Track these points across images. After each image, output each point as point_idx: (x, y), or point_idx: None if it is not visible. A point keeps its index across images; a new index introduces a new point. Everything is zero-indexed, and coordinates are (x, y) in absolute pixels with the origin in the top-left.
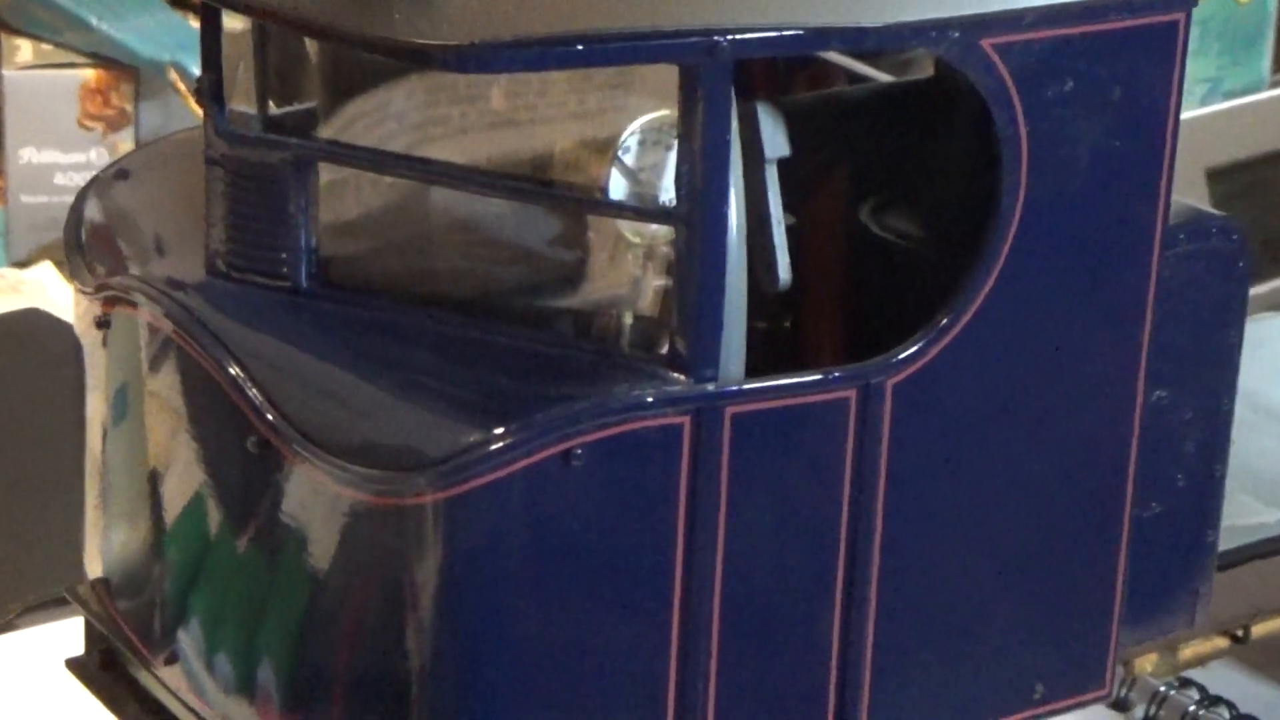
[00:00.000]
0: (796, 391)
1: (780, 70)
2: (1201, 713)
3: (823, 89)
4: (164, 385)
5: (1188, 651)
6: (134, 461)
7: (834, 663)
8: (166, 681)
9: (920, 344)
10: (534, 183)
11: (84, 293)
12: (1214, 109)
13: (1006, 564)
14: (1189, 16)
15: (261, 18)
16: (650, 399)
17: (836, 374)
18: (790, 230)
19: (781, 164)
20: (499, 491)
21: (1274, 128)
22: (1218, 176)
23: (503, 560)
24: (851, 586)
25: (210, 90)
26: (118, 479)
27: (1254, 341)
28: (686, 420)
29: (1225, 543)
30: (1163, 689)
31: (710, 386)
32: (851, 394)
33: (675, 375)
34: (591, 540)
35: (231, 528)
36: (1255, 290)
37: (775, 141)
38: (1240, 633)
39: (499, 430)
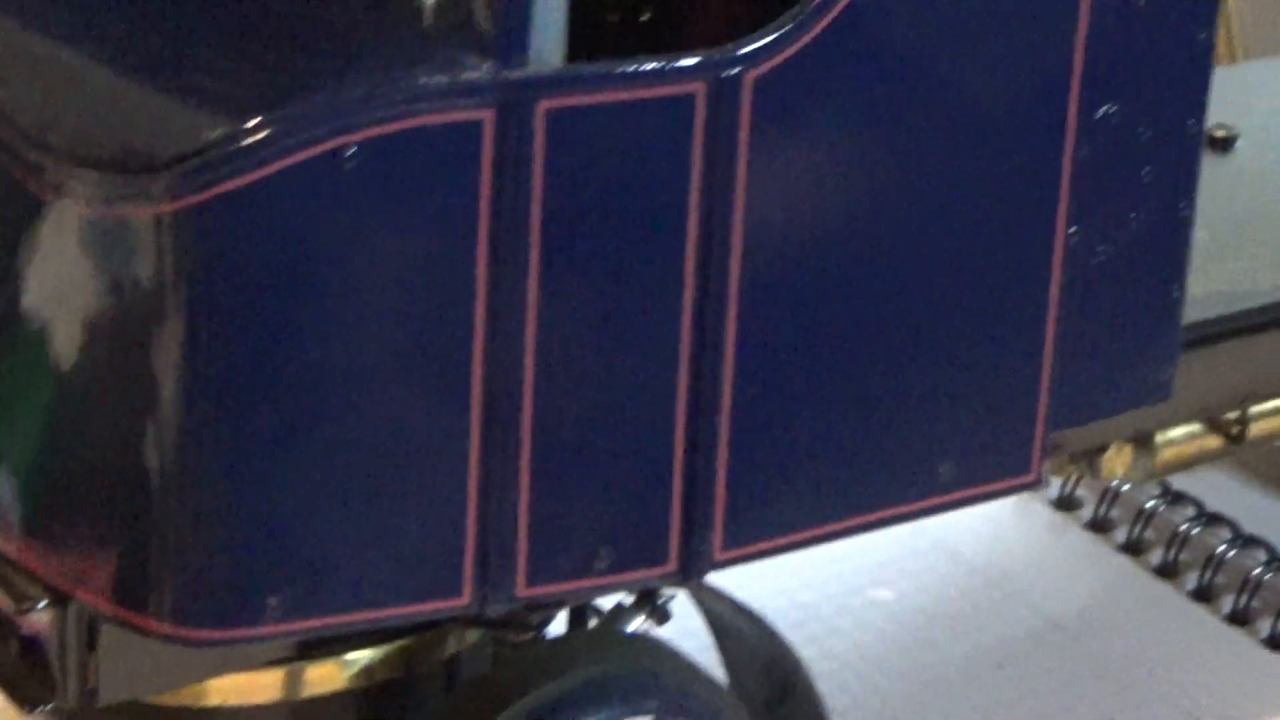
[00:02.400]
0: (629, 83)
1: None
2: (1195, 531)
3: None
4: None
5: (1169, 452)
6: None
7: (679, 437)
8: None
9: (789, 27)
10: None
11: None
12: None
13: (899, 310)
14: None
15: None
16: (442, 87)
17: (681, 63)
18: None
19: None
20: (251, 199)
21: None
22: None
23: (258, 285)
24: (702, 334)
25: None
26: None
27: None
28: (488, 115)
29: (1214, 310)
30: (1150, 504)
31: (520, 73)
32: (699, 88)
33: (477, 59)
34: (369, 262)
35: None
36: None
37: None
38: (1235, 430)
39: (250, 124)
